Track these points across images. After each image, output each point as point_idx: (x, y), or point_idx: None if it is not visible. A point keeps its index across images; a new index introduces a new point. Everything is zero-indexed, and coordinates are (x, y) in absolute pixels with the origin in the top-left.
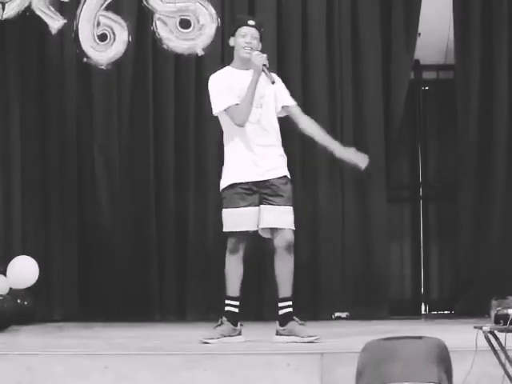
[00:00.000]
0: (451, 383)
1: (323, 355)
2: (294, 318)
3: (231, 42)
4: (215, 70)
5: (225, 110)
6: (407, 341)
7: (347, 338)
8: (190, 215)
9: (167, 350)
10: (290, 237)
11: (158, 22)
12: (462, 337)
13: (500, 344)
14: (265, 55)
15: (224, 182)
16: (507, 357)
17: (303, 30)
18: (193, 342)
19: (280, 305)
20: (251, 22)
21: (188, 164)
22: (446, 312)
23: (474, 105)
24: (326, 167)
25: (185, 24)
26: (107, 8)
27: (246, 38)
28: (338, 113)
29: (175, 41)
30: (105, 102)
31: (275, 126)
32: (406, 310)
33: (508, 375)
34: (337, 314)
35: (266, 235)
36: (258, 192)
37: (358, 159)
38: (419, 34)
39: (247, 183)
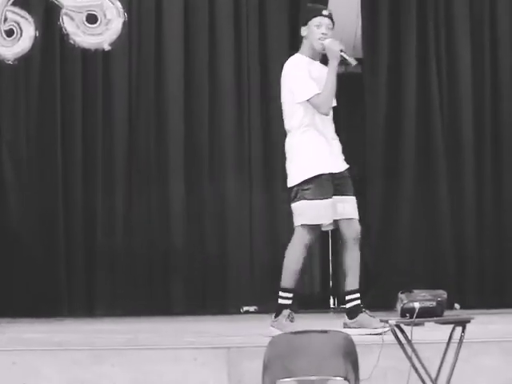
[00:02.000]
0: (358, 377)
1: (230, 349)
2: (364, 310)
3: (303, 31)
4: (122, 65)
5: (308, 100)
6: (313, 335)
7: (255, 332)
8: (98, 210)
9: (74, 345)
10: (359, 227)
11: (65, 17)
12: (368, 330)
13: (406, 337)
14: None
15: (306, 173)
16: (413, 350)
17: (210, 22)
18: (101, 337)
19: (348, 297)
20: (326, 12)
21: (96, 158)
22: None
23: (382, 98)
24: (233, 163)
25: (92, 19)
26: (14, 3)
27: (321, 28)
28: (246, 109)
29: (82, 36)
30: (12, 97)
31: None
32: (315, 303)
33: (414, 368)
34: (245, 308)
35: (329, 227)
36: (333, 183)
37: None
38: None
39: (329, 174)
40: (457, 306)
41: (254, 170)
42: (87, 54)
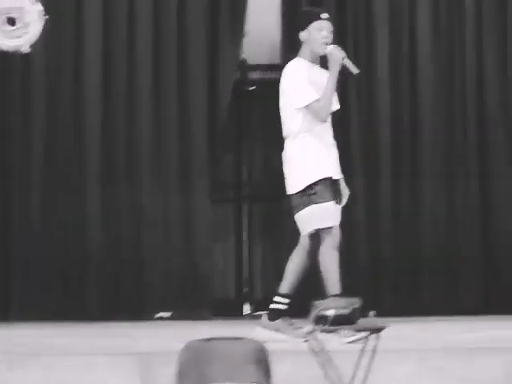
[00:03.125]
0: None
1: (144, 355)
2: (285, 316)
3: (302, 36)
4: (41, 68)
5: (306, 106)
6: (227, 342)
7: (169, 338)
8: (14, 213)
9: None
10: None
11: None
12: (283, 337)
13: (320, 345)
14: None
15: (310, 178)
16: (327, 358)
17: (129, 29)
18: (15, 342)
19: (276, 299)
20: (325, 15)
21: (13, 162)
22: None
23: None
24: (148, 165)
25: (12, 21)
26: None
27: (323, 32)
28: (163, 109)
29: (0, 38)
30: None
31: None
32: (230, 310)
33: (328, 376)
34: (160, 314)
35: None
36: (335, 189)
37: None
38: (246, 33)
39: (331, 179)
40: (372, 313)
41: (170, 176)
42: (6, 57)
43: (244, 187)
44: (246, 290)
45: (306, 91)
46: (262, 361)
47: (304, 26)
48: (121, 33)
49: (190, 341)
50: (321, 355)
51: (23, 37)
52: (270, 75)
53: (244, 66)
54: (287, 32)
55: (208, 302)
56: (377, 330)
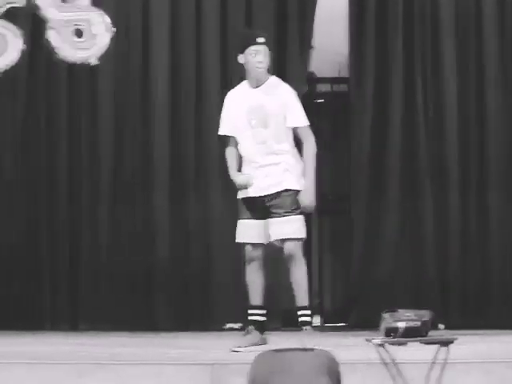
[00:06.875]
0: None
1: (214, 366)
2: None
3: (240, 59)
4: (108, 80)
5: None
6: (298, 353)
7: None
8: (83, 226)
9: (57, 359)
10: (291, 247)
11: (52, 31)
12: (353, 349)
13: (390, 357)
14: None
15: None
16: (398, 370)
17: (197, 42)
18: (84, 352)
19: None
20: (261, 40)
21: (81, 177)
22: (339, 324)
23: (368, 117)
24: (219, 180)
25: (79, 33)
26: (1, 17)
27: (258, 56)
28: None
29: (68, 50)
30: None
31: (285, 142)
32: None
33: None
34: (229, 325)
35: (281, 245)
36: (262, 206)
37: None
38: (313, 46)
39: (248, 198)
40: (441, 326)
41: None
42: (74, 69)
43: None
44: (316, 301)
45: (222, 122)
46: (333, 372)
47: (241, 49)
48: (188, 45)
49: (262, 351)
50: (391, 367)
51: (90, 49)
52: (338, 88)
53: (312, 79)
54: (354, 45)
55: (278, 313)
56: (446, 343)
